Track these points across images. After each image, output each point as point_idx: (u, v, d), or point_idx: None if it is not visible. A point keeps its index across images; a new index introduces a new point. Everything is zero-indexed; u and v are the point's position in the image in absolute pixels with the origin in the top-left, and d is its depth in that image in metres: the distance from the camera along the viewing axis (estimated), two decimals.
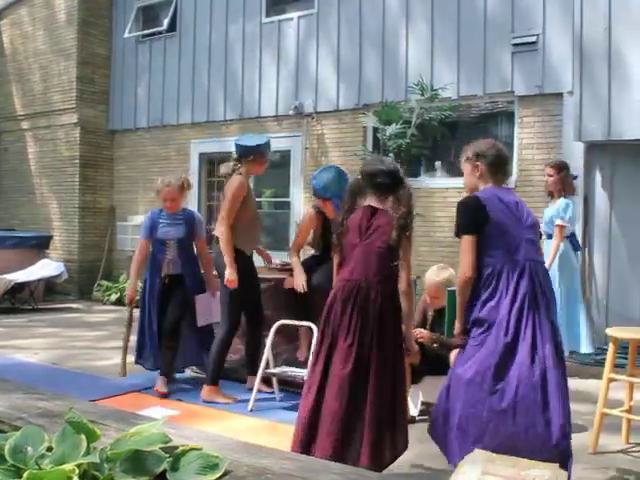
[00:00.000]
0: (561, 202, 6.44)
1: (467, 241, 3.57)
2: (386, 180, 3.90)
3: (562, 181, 6.55)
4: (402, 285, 3.86)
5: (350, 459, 3.56)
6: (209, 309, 6.14)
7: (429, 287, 5.26)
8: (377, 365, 3.72)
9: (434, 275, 5.22)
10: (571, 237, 6.58)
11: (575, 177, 6.87)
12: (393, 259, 3.82)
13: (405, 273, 3.86)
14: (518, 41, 8.67)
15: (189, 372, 6.70)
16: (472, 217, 3.58)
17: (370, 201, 3.92)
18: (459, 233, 3.61)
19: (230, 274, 5.50)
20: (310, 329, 5.42)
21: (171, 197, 6.04)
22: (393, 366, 3.79)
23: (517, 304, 3.40)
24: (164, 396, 5.75)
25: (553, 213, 6.49)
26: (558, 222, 6.33)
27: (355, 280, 3.78)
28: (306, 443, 3.68)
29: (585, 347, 6.42)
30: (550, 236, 6.52)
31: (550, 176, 6.57)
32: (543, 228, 6.39)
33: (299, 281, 5.79)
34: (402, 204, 3.84)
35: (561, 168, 6.60)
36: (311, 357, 4.10)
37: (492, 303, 3.46)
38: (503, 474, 2.95)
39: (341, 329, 3.74)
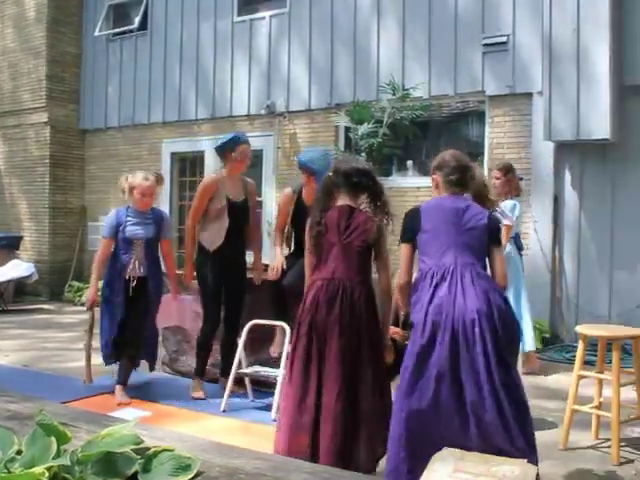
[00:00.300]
0: (508, 203, 6.55)
1: (402, 248, 3.76)
2: (361, 179, 3.95)
3: (509, 183, 6.68)
4: (383, 284, 3.97)
5: (350, 459, 3.63)
6: (170, 312, 6.16)
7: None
8: (369, 363, 3.79)
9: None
10: (515, 238, 6.71)
11: (521, 179, 7.06)
12: (371, 258, 3.93)
13: (385, 272, 3.97)
14: (488, 41, 8.74)
15: (162, 372, 6.67)
16: (408, 226, 3.77)
17: (344, 200, 3.94)
18: (399, 241, 3.78)
19: (184, 269, 6.17)
20: (283, 329, 5.43)
21: (150, 192, 5.77)
22: (381, 363, 3.89)
23: (432, 306, 3.41)
24: (127, 404, 5.58)
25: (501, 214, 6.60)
26: (506, 222, 6.42)
27: (338, 279, 3.81)
28: (310, 447, 3.69)
29: (529, 345, 6.54)
30: None
31: (497, 179, 6.68)
32: None
33: (274, 264, 5.83)
34: (379, 203, 3.98)
35: (507, 170, 6.73)
36: (287, 359, 4.09)
37: (417, 306, 3.50)
38: (474, 471, 2.98)
39: (331, 329, 3.75)
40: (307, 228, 4.00)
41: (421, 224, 3.63)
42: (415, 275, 3.69)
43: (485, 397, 3.26)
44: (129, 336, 5.77)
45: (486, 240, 3.57)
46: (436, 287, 3.42)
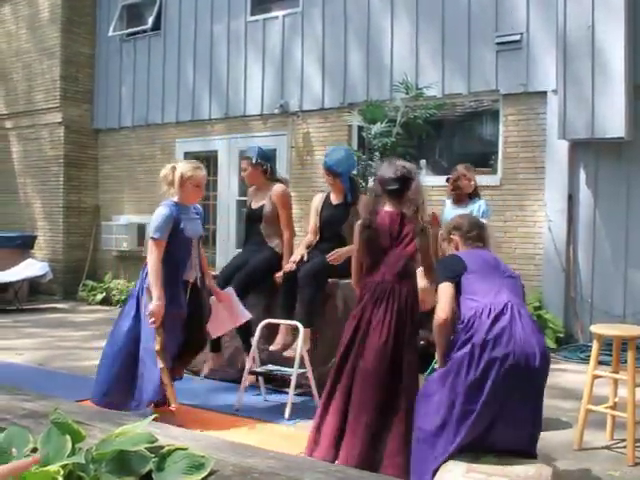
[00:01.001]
0: (481, 203, 6.65)
1: (444, 287, 3.68)
2: (394, 186, 4.12)
3: (476, 184, 6.80)
4: (422, 283, 4.22)
5: (375, 463, 3.75)
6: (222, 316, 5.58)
7: None
8: (408, 366, 3.95)
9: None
10: None
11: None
12: (417, 261, 4.17)
13: (430, 274, 4.16)
14: (502, 40, 8.70)
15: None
16: (449, 267, 3.76)
17: (390, 205, 4.16)
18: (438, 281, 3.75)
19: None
20: (296, 328, 5.43)
21: (204, 183, 5.22)
22: (417, 368, 4.08)
23: (492, 336, 3.45)
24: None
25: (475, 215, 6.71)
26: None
27: (387, 282, 4.04)
28: (335, 445, 3.81)
29: None
30: None
31: (470, 180, 6.68)
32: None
33: (293, 258, 5.92)
34: (414, 208, 4.09)
35: (472, 170, 6.85)
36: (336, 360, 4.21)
37: (466, 342, 3.51)
38: (487, 471, 2.98)
39: (374, 328, 3.95)
40: (356, 230, 4.19)
41: (467, 265, 3.67)
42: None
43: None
44: (191, 350, 5.29)
45: (522, 291, 3.73)
46: (496, 320, 3.44)
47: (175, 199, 5.09)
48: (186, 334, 5.02)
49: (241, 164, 6.45)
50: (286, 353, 5.79)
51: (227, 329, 5.71)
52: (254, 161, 6.15)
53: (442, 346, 3.63)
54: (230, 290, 5.63)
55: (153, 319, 4.73)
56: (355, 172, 7.87)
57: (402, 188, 4.11)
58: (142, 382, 4.85)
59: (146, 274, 4.93)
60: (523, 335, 3.39)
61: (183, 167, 5.09)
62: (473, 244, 3.91)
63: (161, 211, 5.00)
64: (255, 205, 6.25)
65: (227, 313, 5.54)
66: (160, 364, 4.77)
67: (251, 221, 6.31)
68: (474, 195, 6.77)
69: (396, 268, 4.05)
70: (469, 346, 3.39)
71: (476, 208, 6.56)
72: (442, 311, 3.58)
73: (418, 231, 4.06)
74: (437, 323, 3.59)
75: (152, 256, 4.84)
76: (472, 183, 6.69)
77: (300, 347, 5.27)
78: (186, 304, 4.98)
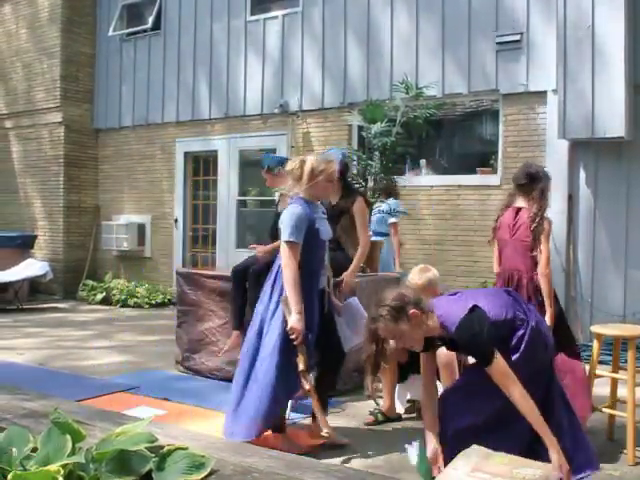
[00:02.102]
0: (392, 202, 7.00)
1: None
2: (521, 182, 4.86)
3: (395, 184, 7.24)
4: (542, 268, 4.65)
5: None
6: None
7: (414, 287, 5.23)
8: None
9: (416, 278, 5.08)
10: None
11: None
12: (533, 249, 4.69)
13: (544, 258, 4.64)
14: (502, 39, 8.70)
15: (175, 371, 6.69)
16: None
17: (519, 201, 4.89)
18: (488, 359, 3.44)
19: None
20: None
21: (335, 179, 4.72)
22: None
23: None
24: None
25: (384, 214, 7.08)
26: (393, 220, 7.01)
27: (507, 270, 4.81)
28: None
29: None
30: (379, 234, 7.25)
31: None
32: (373, 227, 7.02)
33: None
34: (534, 202, 4.76)
35: None
36: None
37: None
38: (493, 471, 2.96)
39: None
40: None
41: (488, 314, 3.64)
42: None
43: None
44: (330, 370, 4.77)
45: None
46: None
47: (302, 196, 4.44)
48: (320, 350, 4.53)
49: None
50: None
51: (353, 344, 4.78)
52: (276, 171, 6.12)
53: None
54: (353, 301, 4.98)
55: (294, 335, 4.17)
56: (355, 172, 7.89)
57: (526, 184, 4.82)
58: (242, 409, 4.27)
59: (274, 280, 4.43)
60: None
61: (314, 160, 4.49)
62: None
63: (295, 210, 4.34)
64: (280, 209, 6.27)
65: (350, 326, 4.82)
66: (306, 385, 4.23)
67: (276, 225, 6.30)
68: (388, 194, 7.18)
69: (515, 257, 4.74)
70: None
71: (386, 208, 7.06)
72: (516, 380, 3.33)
73: (530, 221, 4.68)
74: (524, 392, 3.34)
75: (288, 263, 4.23)
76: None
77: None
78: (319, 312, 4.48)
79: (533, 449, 3.40)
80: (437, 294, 4.68)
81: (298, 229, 4.25)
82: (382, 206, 7.47)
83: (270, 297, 4.39)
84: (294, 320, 4.14)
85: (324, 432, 4.32)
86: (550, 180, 5.02)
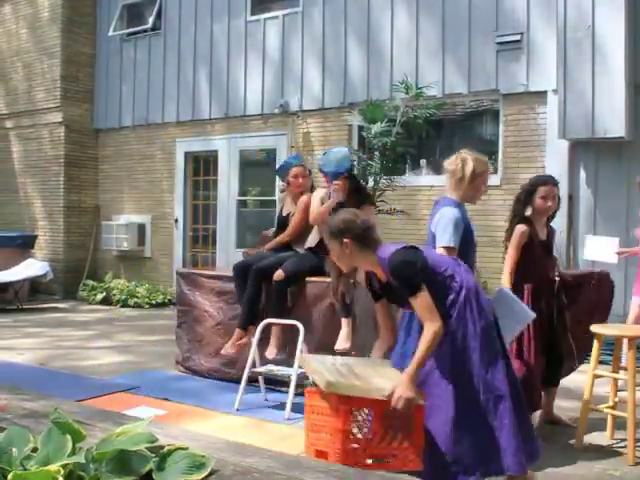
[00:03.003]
0: None
1: None
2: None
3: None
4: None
5: None
6: None
7: None
8: None
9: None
10: None
11: None
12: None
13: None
14: (502, 40, 8.71)
15: (175, 371, 6.69)
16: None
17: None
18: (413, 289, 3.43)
19: None
20: (296, 327, 5.43)
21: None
22: None
23: None
24: None
25: None
26: None
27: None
28: None
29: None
30: None
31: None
32: None
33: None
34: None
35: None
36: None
37: None
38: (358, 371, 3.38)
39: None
40: None
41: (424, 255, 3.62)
42: None
43: None
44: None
45: None
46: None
47: (454, 197, 4.22)
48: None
49: (297, 172, 6.34)
50: (267, 354, 5.73)
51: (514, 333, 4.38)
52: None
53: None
54: (503, 291, 4.44)
55: None
56: (355, 172, 7.89)
57: None
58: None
59: None
60: None
61: (475, 161, 4.25)
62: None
63: (452, 213, 4.06)
64: (285, 212, 6.41)
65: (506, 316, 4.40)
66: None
67: (280, 227, 6.39)
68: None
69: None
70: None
71: None
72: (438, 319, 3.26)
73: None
74: (441, 331, 3.25)
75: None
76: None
77: (300, 345, 5.28)
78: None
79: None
80: None
81: (456, 233, 3.99)
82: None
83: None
84: None
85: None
86: (535, 184, 4.88)
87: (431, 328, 3.21)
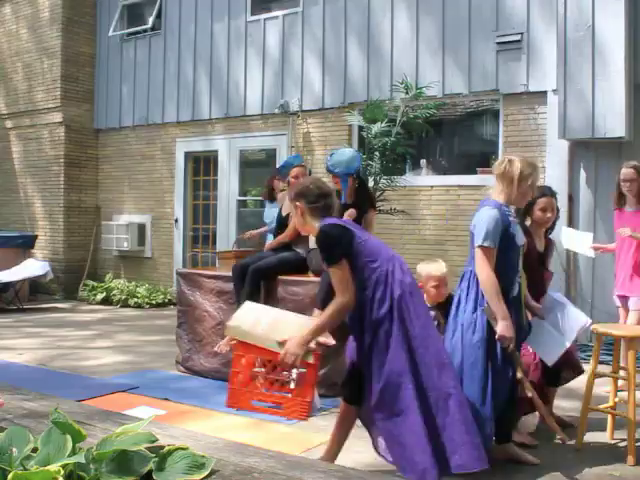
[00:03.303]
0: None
1: None
2: None
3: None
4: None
5: None
6: None
7: (435, 278, 5.08)
8: None
9: (437, 264, 5.01)
10: None
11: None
12: None
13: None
14: (502, 40, 8.70)
15: (176, 371, 6.69)
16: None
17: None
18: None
19: None
20: None
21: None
22: None
23: None
24: None
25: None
26: None
27: None
28: None
29: None
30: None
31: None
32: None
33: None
34: None
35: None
36: None
37: None
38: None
39: None
40: None
41: (354, 232, 3.83)
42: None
43: None
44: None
45: None
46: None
47: (499, 199, 4.16)
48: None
49: (297, 172, 6.57)
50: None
51: (562, 351, 4.47)
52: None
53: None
54: (548, 296, 4.54)
55: (506, 343, 3.91)
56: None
57: None
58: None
59: (467, 288, 4.12)
60: None
61: (522, 163, 4.16)
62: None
63: (489, 213, 4.05)
64: (284, 212, 6.47)
65: (556, 326, 4.42)
66: (529, 393, 4.05)
67: (279, 227, 6.43)
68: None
69: None
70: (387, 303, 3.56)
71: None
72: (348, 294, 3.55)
73: None
74: (348, 306, 3.56)
75: (483, 268, 3.97)
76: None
77: None
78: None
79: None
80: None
81: (493, 233, 3.98)
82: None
83: (464, 308, 4.10)
84: (502, 327, 3.89)
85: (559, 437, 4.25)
86: (534, 196, 4.74)
87: (338, 300, 3.55)
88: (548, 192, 4.95)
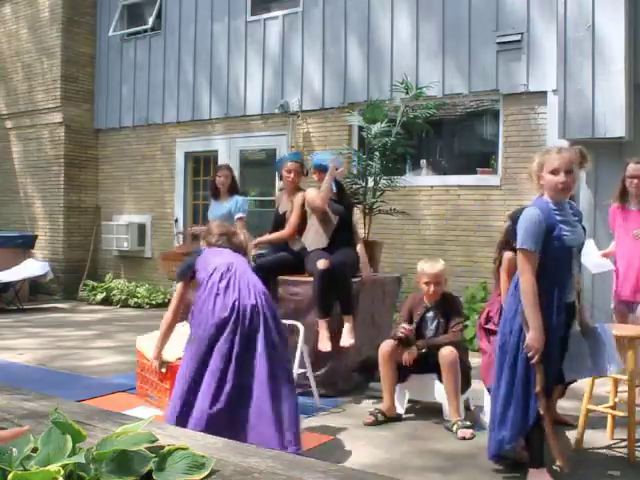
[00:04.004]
0: (238, 199, 7.26)
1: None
2: None
3: (235, 180, 7.43)
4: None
5: None
6: None
7: (431, 276, 5.21)
8: None
9: (434, 263, 5.24)
10: None
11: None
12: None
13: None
14: (502, 40, 8.71)
15: None
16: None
17: None
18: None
19: None
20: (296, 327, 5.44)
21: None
22: None
23: None
24: None
25: (231, 209, 7.18)
26: (241, 215, 7.15)
27: None
28: None
29: None
30: None
31: (227, 177, 7.33)
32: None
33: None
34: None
35: (230, 169, 7.51)
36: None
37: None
38: None
39: None
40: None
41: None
42: None
43: None
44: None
45: None
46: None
47: (546, 197, 3.93)
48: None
49: (291, 167, 6.43)
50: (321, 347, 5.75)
51: (585, 377, 4.32)
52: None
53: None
54: (600, 327, 4.19)
55: (531, 353, 3.74)
56: (355, 172, 7.90)
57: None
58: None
59: (514, 290, 3.96)
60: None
61: (539, 156, 4.00)
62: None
63: (529, 213, 3.85)
64: (281, 210, 6.50)
65: (590, 354, 4.09)
66: (540, 409, 3.81)
67: (276, 225, 6.49)
68: (233, 191, 7.33)
69: None
70: None
71: (234, 204, 7.17)
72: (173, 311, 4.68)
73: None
74: (167, 323, 4.62)
75: (523, 273, 3.78)
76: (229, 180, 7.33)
77: (300, 346, 5.29)
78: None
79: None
80: (446, 283, 5.26)
81: (532, 235, 3.76)
82: (225, 203, 7.42)
83: (513, 310, 3.91)
84: (531, 337, 3.72)
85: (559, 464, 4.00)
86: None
87: (169, 316, 4.58)
88: None
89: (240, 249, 4.46)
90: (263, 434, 3.72)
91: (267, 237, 6.45)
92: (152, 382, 5.16)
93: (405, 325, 5.17)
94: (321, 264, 5.67)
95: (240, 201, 7.28)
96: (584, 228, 4.13)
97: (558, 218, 3.82)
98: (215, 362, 3.84)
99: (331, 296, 5.75)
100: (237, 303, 3.93)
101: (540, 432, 3.87)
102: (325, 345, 5.62)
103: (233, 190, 7.38)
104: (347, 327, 5.68)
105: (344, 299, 5.74)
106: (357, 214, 6.92)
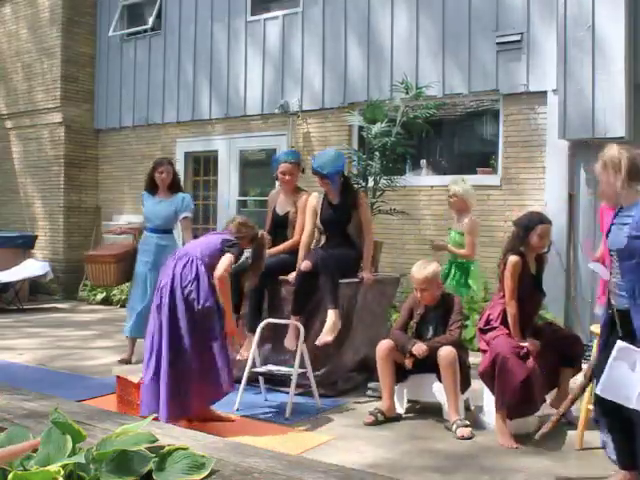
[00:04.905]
0: (184, 197, 7.04)
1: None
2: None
3: (176, 177, 7.15)
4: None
5: None
6: None
7: (418, 281, 5.27)
8: None
9: (421, 269, 5.27)
10: None
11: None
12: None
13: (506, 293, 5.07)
14: (502, 40, 8.70)
15: None
16: None
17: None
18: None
19: None
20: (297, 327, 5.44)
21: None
22: None
23: None
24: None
25: (177, 208, 6.96)
26: (186, 214, 6.98)
27: None
28: None
29: None
30: (167, 231, 7.11)
31: (169, 174, 7.04)
32: (159, 224, 7.06)
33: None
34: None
35: (172, 165, 7.20)
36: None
37: None
38: None
39: None
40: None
41: None
42: None
43: None
44: None
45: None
46: None
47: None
48: None
49: (284, 169, 6.32)
50: (288, 345, 5.76)
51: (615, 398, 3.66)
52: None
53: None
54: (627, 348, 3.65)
55: None
56: (355, 172, 7.90)
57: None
58: None
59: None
60: None
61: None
62: None
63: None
64: (281, 211, 6.44)
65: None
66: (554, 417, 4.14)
67: (277, 226, 6.44)
68: (176, 189, 7.07)
69: None
70: None
71: (179, 202, 6.94)
72: None
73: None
74: None
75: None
76: (171, 177, 7.03)
77: (300, 345, 5.29)
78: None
79: None
80: (440, 286, 5.33)
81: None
82: (167, 201, 7.09)
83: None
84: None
85: None
86: (535, 223, 4.98)
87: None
88: (546, 220, 5.07)
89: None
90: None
91: (280, 247, 6.28)
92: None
93: (422, 345, 5.10)
94: (303, 265, 5.81)
95: (187, 199, 7.01)
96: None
97: (614, 220, 3.81)
98: None
99: (308, 297, 5.84)
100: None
101: None
102: (290, 344, 5.76)
103: (175, 188, 7.03)
104: (327, 324, 5.66)
105: (326, 293, 5.75)
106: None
